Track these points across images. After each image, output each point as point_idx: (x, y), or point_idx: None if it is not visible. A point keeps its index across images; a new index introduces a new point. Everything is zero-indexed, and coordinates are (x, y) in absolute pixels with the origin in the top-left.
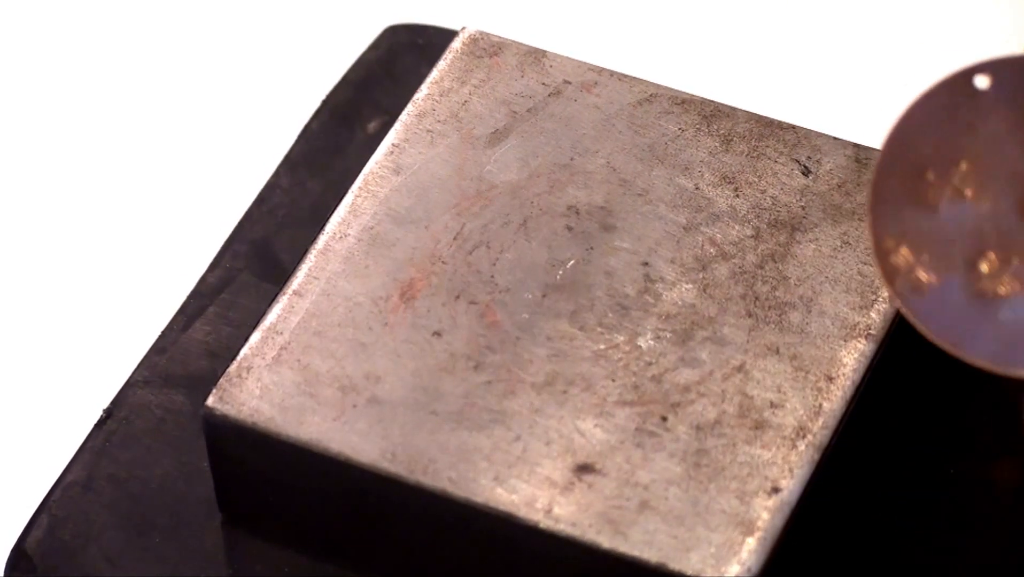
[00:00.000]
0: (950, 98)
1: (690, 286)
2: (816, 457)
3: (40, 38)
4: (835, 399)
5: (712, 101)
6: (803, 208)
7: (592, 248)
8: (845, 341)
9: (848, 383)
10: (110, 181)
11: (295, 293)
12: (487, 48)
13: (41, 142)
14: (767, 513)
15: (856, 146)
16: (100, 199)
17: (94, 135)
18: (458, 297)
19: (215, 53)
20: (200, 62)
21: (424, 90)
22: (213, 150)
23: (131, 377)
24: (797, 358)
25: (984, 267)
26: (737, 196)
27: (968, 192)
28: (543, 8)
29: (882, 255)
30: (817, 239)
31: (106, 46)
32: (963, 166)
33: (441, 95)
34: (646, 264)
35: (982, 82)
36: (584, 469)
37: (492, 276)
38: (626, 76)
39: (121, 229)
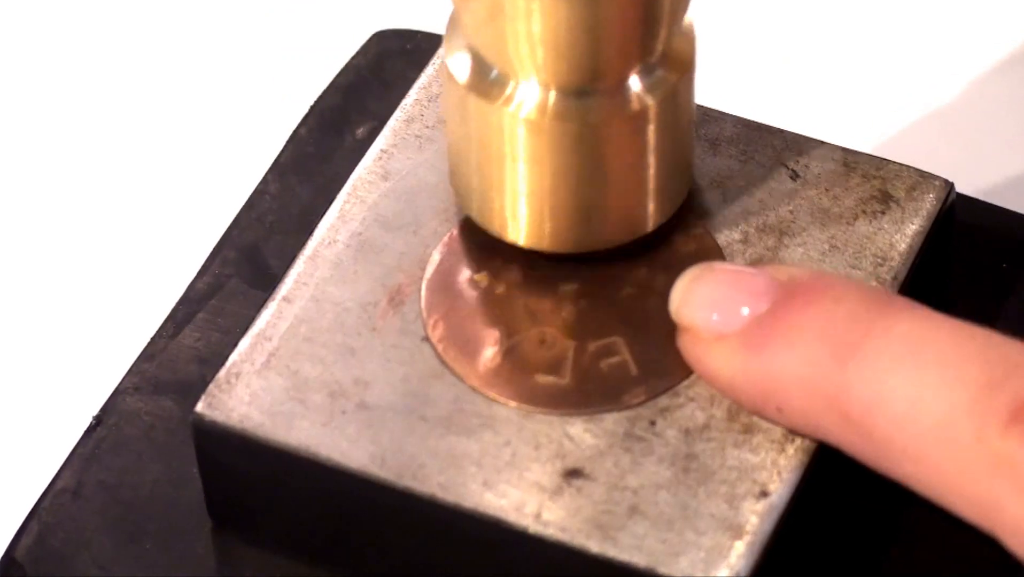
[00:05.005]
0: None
1: None
2: (805, 461)
3: (23, 41)
4: None
5: (700, 106)
6: (791, 212)
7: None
8: None
9: None
10: (97, 188)
11: (284, 299)
12: None
13: (28, 147)
14: (756, 517)
15: (844, 150)
16: (87, 206)
17: (81, 140)
18: None
19: (202, 60)
20: (187, 69)
21: (412, 95)
22: (201, 156)
23: (121, 384)
24: None
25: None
26: (725, 200)
27: None
28: None
29: None
30: (805, 243)
31: (92, 51)
32: None
33: (429, 100)
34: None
35: None
36: (573, 474)
37: None
38: None
39: (109, 236)
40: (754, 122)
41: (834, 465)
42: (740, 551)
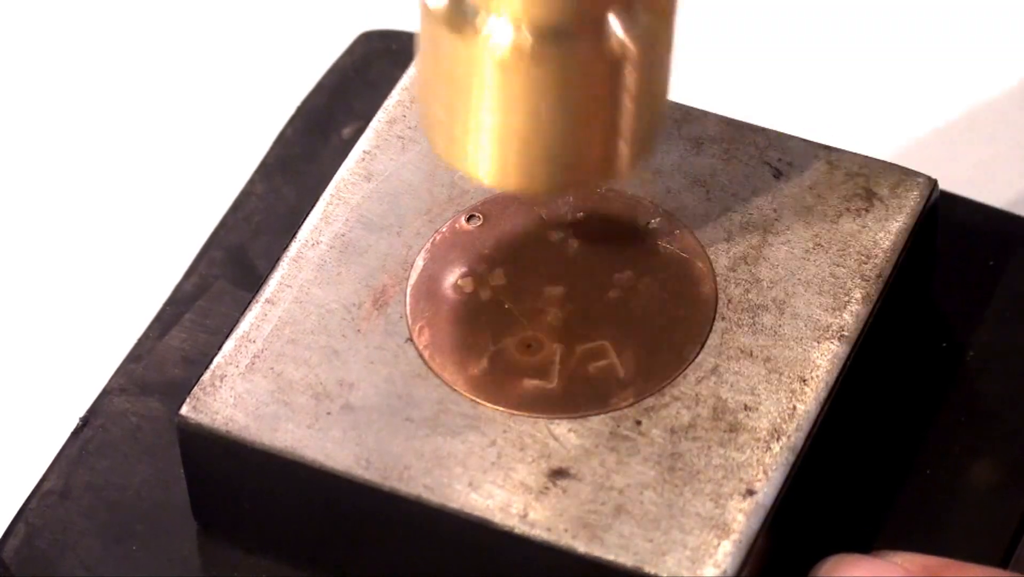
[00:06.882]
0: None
1: None
2: (791, 459)
3: (9, 43)
4: (809, 401)
5: (683, 105)
6: (775, 211)
7: None
8: (818, 343)
9: (822, 385)
10: (84, 189)
11: (268, 301)
12: None
13: (14, 148)
14: (742, 516)
15: (827, 148)
16: (74, 207)
17: (67, 142)
18: None
19: (189, 61)
20: (174, 70)
21: (395, 96)
22: (188, 157)
23: (107, 385)
24: (770, 360)
25: None
26: (708, 199)
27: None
28: None
29: None
30: (789, 241)
31: (79, 54)
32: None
33: (412, 101)
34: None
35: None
36: (559, 474)
37: None
38: None
39: (96, 237)
40: (737, 120)
41: (820, 463)
42: (727, 550)
